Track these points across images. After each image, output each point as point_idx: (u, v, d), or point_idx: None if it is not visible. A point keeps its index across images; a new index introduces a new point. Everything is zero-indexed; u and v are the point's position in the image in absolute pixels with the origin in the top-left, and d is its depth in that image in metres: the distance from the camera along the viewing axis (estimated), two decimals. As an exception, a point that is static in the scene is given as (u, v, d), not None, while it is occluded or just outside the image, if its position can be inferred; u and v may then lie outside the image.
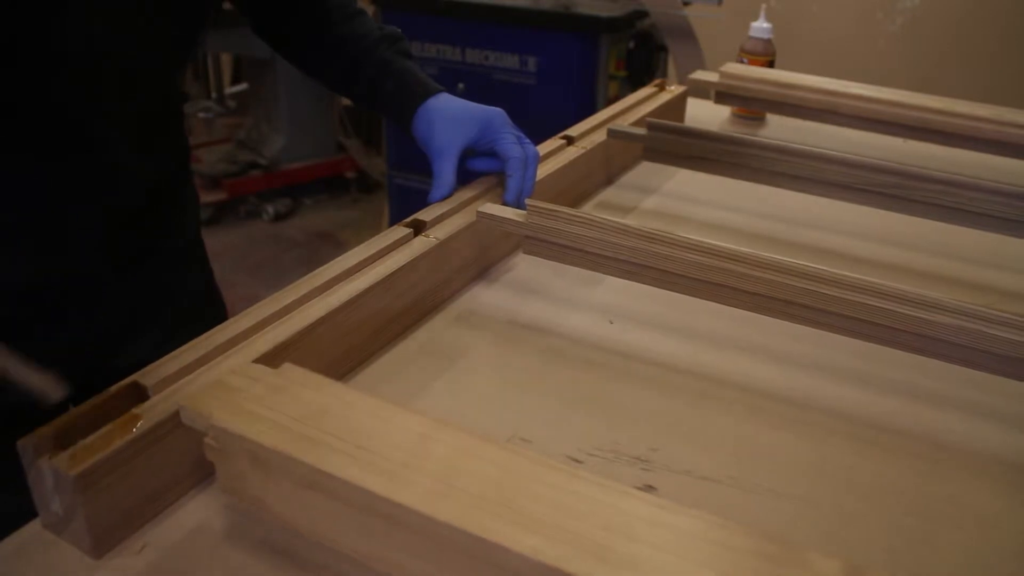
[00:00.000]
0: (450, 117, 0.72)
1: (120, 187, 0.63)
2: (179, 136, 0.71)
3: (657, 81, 1.10)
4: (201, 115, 3.23)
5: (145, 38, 0.59)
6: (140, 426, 0.44)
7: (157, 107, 0.65)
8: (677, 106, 1.09)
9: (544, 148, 0.83)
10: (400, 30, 0.77)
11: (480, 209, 0.67)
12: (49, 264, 0.61)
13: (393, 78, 0.74)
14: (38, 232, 0.60)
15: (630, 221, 0.62)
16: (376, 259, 0.62)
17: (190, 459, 0.47)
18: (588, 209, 0.88)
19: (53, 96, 0.55)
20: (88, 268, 0.63)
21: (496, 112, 0.73)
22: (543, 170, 0.78)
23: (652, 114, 0.99)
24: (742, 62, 1.15)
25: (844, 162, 0.80)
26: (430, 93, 0.74)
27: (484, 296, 0.70)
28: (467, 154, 0.74)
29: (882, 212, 0.81)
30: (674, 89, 1.09)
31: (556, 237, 0.64)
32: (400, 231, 0.65)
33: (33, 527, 0.45)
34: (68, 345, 0.64)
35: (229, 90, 3.63)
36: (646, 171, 0.98)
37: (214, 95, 3.52)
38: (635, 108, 1.00)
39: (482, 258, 0.73)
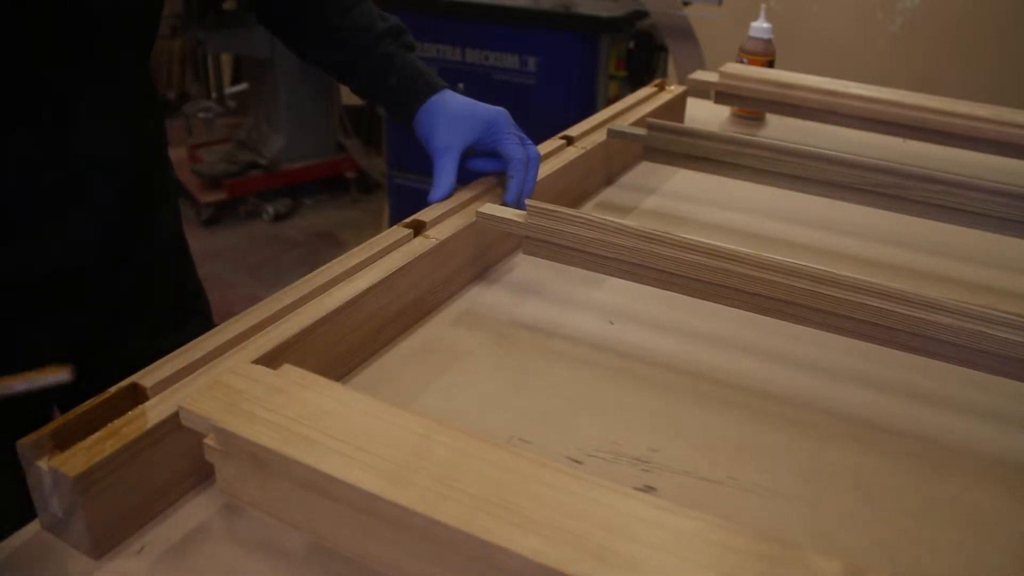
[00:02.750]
0: (453, 116, 0.72)
1: (96, 173, 0.62)
2: (155, 123, 0.70)
3: (657, 81, 1.10)
4: (201, 115, 3.23)
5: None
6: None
7: (129, 88, 0.65)
8: (677, 106, 1.09)
9: (544, 148, 0.83)
10: (401, 21, 0.76)
11: (480, 210, 0.67)
12: (33, 259, 0.61)
13: (396, 74, 0.73)
14: (23, 225, 0.60)
15: (630, 221, 0.62)
16: (376, 259, 0.62)
17: (190, 459, 0.47)
18: (588, 209, 0.88)
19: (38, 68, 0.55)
20: (71, 263, 0.63)
21: (499, 112, 0.73)
22: (543, 170, 0.78)
23: (652, 114, 0.99)
24: (742, 62, 1.15)
25: (844, 162, 0.80)
26: (434, 90, 0.74)
27: (484, 296, 0.70)
28: (468, 153, 0.74)
29: (882, 212, 0.81)
30: (674, 89, 1.09)
31: (556, 237, 0.64)
32: (400, 231, 0.65)
33: (32, 528, 0.45)
34: (53, 342, 0.64)
35: (229, 90, 3.64)
36: (646, 171, 0.98)
37: (214, 95, 3.52)
38: (635, 108, 1.00)
39: (482, 258, 0.73)
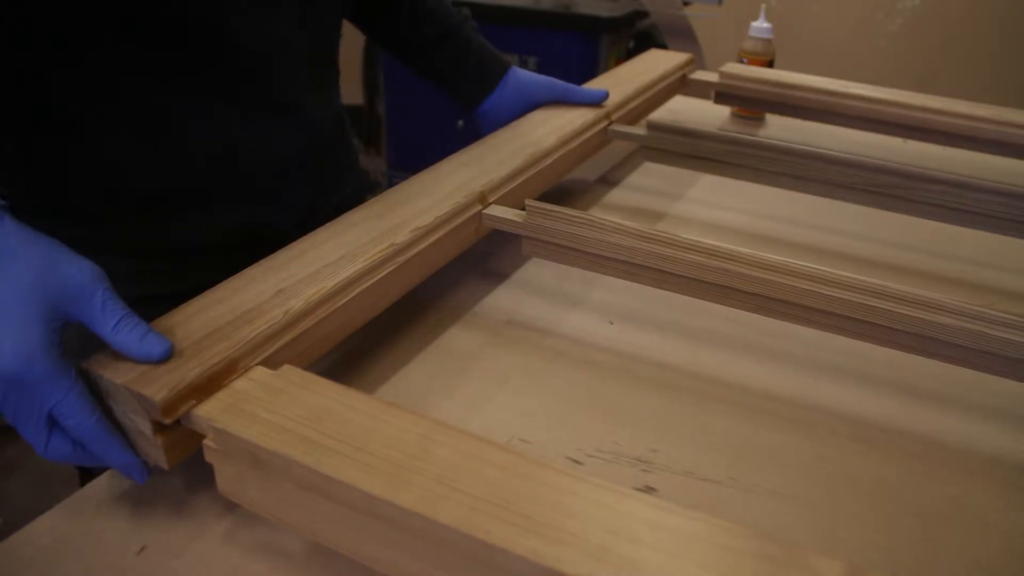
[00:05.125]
0: (526, 92, 0.89)
1: (288, 133, 0.68)
2: (334, 90, 0.78)
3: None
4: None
5: None
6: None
7: (323, 50, 0.71)
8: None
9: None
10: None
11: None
12: (227, 220, 0.66)
13: (474, 55, 0.86)
14: (218, 184, 0.65)
15: (630, 221, 0.62)
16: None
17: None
18: (588, 209, 0.88)
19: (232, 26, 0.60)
20: (257, 225, 0.67)
21: (550, 79, 0.90)
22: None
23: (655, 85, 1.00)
24: (742, 62, 1.14)
25: (844, 162, 0.80)
26: (505, 70, 0.88)
27: (484, 296, 0.70)
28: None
29: (882, 212, 0.81)
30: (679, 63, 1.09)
31: (556, 238, 0.64)
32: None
33: (32, 528, 0.45)
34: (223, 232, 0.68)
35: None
36: (646, 171, 0.98)
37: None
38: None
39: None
